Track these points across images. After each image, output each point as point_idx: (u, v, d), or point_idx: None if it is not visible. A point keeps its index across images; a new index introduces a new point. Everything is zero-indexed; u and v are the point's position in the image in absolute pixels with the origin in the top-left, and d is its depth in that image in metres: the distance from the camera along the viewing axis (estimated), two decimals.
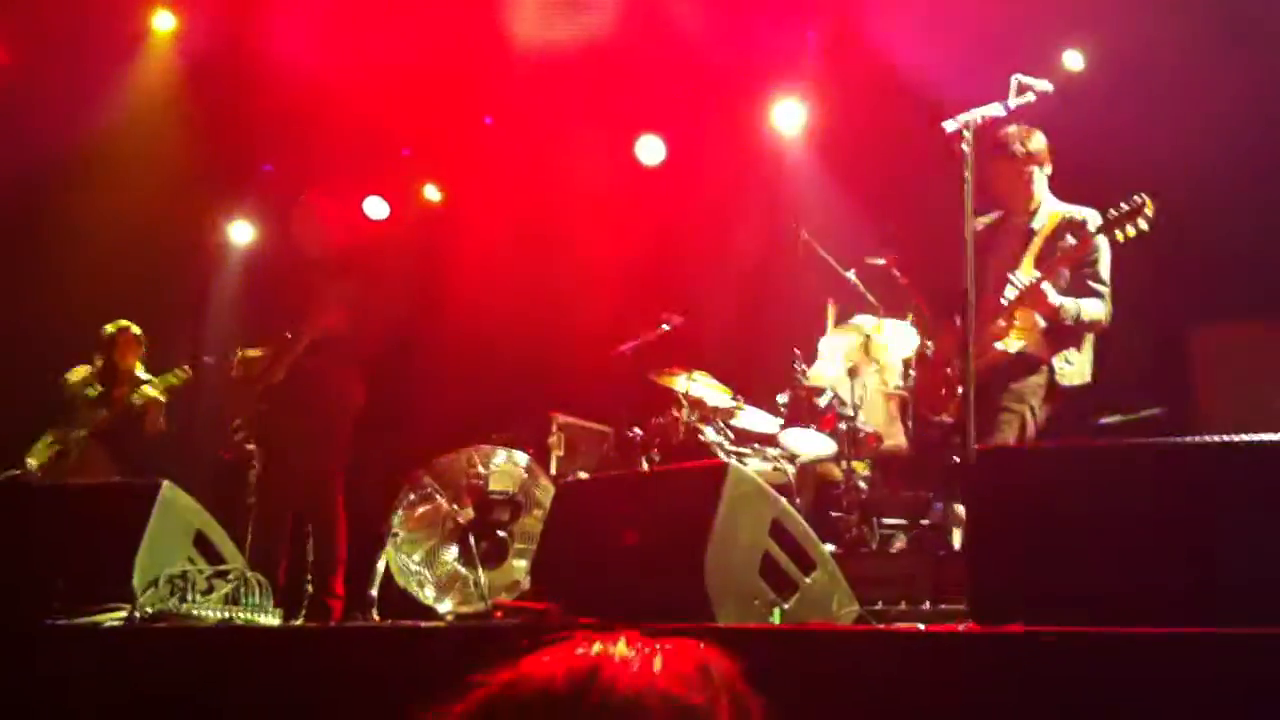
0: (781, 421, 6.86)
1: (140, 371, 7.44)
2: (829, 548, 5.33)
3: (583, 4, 8.01)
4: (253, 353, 6.10)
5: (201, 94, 8.41)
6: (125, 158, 8.26)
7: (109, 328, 7.48)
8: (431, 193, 9.40)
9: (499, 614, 3.75)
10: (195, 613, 3.90)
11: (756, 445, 6.95)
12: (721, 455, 6.63)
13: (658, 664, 1.08)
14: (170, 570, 4.02)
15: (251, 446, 5.97)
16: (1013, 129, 5.52)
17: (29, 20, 7.78)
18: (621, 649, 1.10)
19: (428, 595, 4.74)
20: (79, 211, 8.22)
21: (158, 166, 8.36)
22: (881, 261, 6.84)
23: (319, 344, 5.96)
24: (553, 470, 6.72)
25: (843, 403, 6.74)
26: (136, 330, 7.53)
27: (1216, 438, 3.05)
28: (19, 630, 3.79)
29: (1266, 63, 6.68)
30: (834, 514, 6.41)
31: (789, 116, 8.47)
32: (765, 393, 7.09)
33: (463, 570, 4.77)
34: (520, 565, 4.75)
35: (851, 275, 7.02)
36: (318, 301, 5.95)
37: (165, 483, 4.32)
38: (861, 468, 6.60)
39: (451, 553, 4.80)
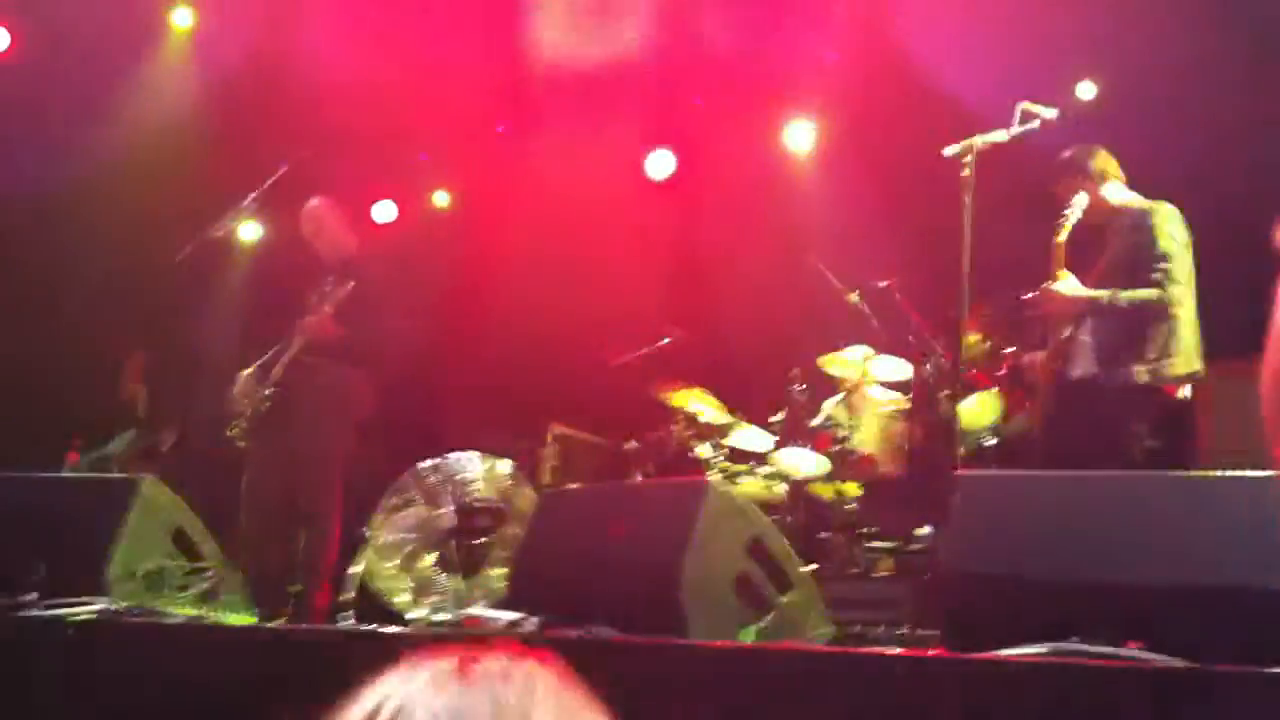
0: (776, 440, 6.82)
1: None
2: (813, 567, 5.29)
3: (612, 17, 7.99)
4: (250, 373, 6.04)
5: (218, 92, 8.40)
6: (140, 156, 8.24)
7: None
8: (440, 199, 9.40)
9: (470, 622, 3.72)
10: (168, 608, 3.88)
11: (750, 463, 6.91)
12: (714, 472, 6.60)
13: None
14: (147, 565, 4.00)
15: (244, 444, 5.92)
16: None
17: (42, 12, 7.77)
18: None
19: (402, 601, 4.73)
20: (89, 209, 8.21)
21: (173, 165, 8.34)
22: (884, 284, 6.82)
23: (318, 346, 5.92)
24: (546, 480, 6.68)
25: (838, 424, 6.70)
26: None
27: (1192, 472, 3.01)
28: None
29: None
30: (822, 534, 6.37)
31: (800, 135, 8.45)
32: (763, 411, 7.05)
33: (440, 577, 4.75)
34: (499, 574, 4.73)
35: (855, 297, 6.99)
36: (313, 306, 5.94)
37: (147, 478, 4.31)
38: (852, 489, 6.55)
39: (430, 558, 4.78)
